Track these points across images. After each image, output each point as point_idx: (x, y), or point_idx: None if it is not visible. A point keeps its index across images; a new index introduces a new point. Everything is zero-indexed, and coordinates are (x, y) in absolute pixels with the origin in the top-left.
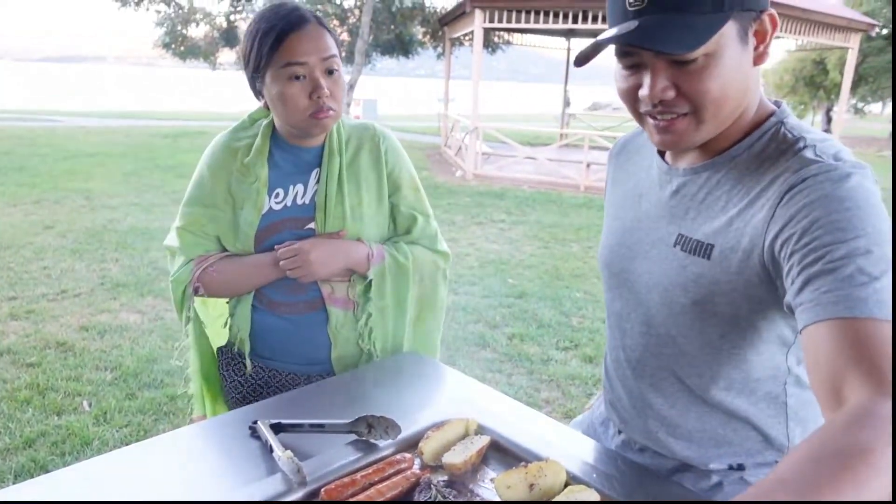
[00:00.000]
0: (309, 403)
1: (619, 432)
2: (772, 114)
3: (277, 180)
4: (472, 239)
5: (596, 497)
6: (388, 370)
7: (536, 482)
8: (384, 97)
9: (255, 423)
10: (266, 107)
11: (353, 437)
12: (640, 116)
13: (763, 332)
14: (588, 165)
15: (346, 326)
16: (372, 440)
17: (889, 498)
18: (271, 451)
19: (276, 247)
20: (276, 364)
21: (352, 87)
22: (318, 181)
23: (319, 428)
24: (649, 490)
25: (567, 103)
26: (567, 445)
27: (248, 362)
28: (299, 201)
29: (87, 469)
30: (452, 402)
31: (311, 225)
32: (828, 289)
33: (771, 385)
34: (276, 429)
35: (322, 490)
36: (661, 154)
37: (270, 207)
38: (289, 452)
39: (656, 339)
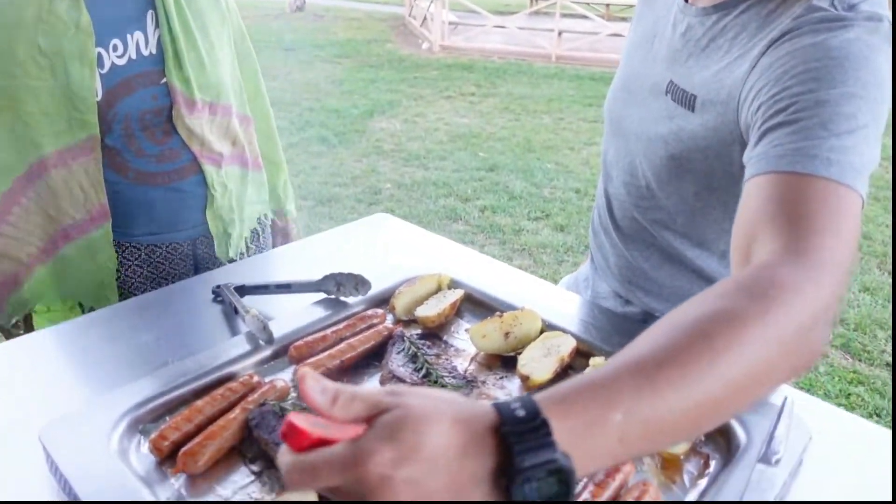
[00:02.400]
0: (272, 267)
1: (597, 283)
2: None
3: (107, 29)
4: (441, 113)
5: (572, 343)
6: (355, 232)
7: (512, 330)
8: None
9: (219, 287)
10: None
11: (322, 295)
12: None
13: (735, 197)
14: (560, 34)
15: (223, 184)
16: (341, 298)
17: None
18: (236, 311)
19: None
20: (163, 238)
21: None
22: (157, 25)
23: (286, 288)
24: (626, 336)
25: None
26: (542, 297)
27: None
28: (144, 52)
29: (45, 336)
30: (424, 259)
31: (164, 80)
32: (779, 142)
33: None
34: (241, 292)
35: (291, 347)
36: None
37: (113, 63)
38: (254, 310)
39: (636, 190)
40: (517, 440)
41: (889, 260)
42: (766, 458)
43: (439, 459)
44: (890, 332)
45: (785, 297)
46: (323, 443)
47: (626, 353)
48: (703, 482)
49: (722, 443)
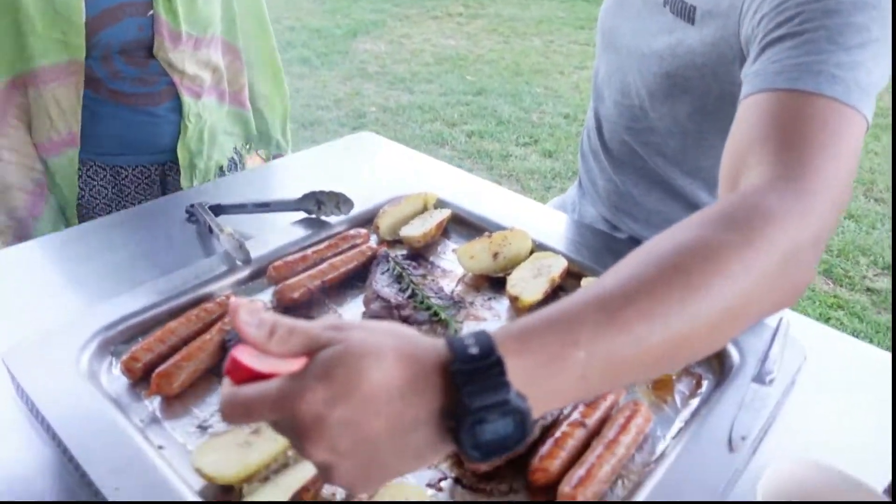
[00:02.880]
0: (250, 187)
1: (584, 208)
2: None
3: None
4: (427, 34)
5: (563, 263)
6: (337, 151)
7: (501, 251)
8: None
9: (192, 206)
10: None
11: (302, 215)
12: None
13: (730, 120)
14: None
15: (198, 115)
16: (322, 217)
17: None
18: (210, 231)
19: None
20: (129, 160)
21: None
22: None
23: (264, 208)
24: (617, 256)
25: None
26: (532, 217)
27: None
28: None
29: (11, 255)
30: (409, 178)
31: (151, 12)
32: (780, 57)
33: None
34: (216, 211)
35: (270, 267)
36: None
37: None
38: (229, 228)
39: (628, 110)
40: (466, 380)
41: (875, 187)
42: (760, 378)
43: (378, 398)
44: (871, 258)
45: (770, 228)
46: (259, 377)
47: (594, 286)
48: (694, 402)
49: (715, 363)
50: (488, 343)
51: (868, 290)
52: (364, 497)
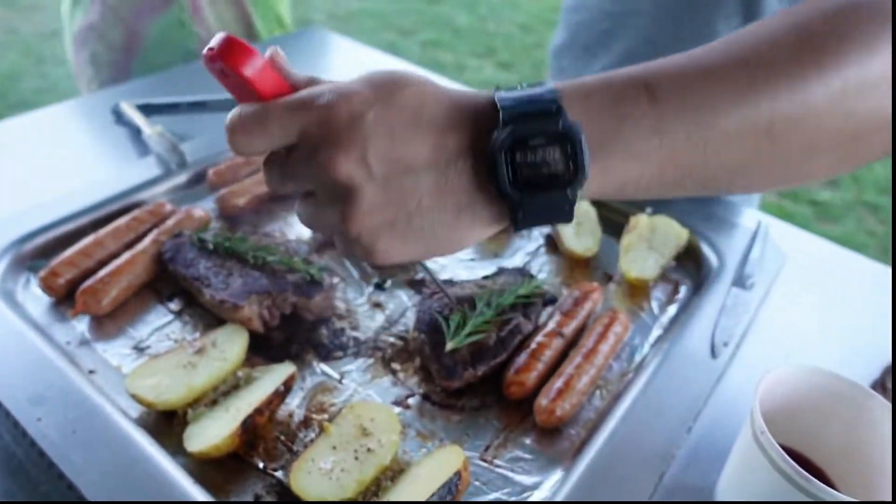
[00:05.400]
0: (182, 85)
1: None
2: None
3: None
4: None
5: None
6: (284, 47)
7: None
8: None
9: (118, 105)
10: None
11: None
12: None
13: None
14: None
15: None
16: None
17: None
18: (139, 132)
19: None
20: None
21: None
22: None
23: (200, 107)
24: None
25: None
26: None
27: None
28: None
29: None
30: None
31: None
32: None
33: None
34: (146, 111)
35: (210, 171)
36: None
37: None
38: (159, 128)
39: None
40: (510, 102)
41: None
42: (740, 282)
43: (420, 113)
44: None
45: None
46: (268, 87)
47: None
48: (672, 308)
49: (692, 268)
50: (541, 81)
51: (811, 202)
52: (378, 261)
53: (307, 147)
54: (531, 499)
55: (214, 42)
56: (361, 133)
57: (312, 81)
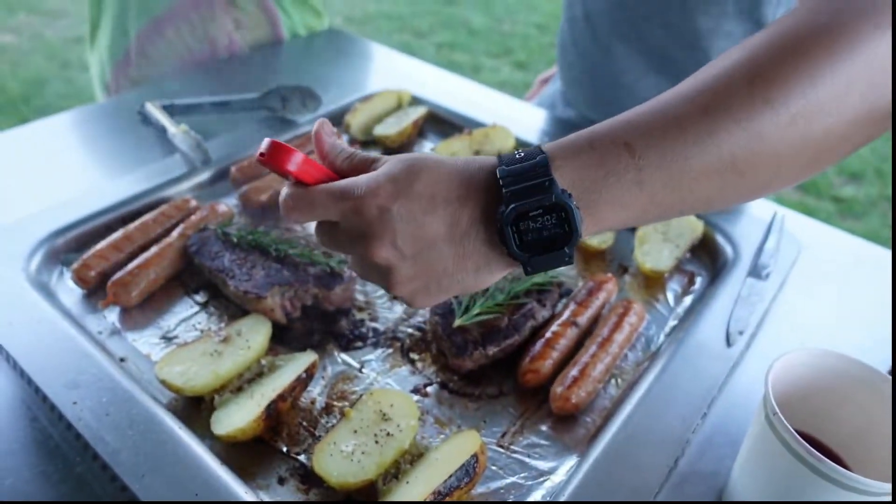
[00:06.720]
0: (208, 85)
1: (567, 105)
2: None
3: None
4: None
5: None
6: (302, 47)
7: (482, 148)
8: None
9: (143, 106)
10: None
11: (266, 113)
12: None
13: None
14: None
15: None
16: (288, 116)
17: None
18: (164, 131)
19: None
20: None
21: None
22: None
23: (223, 106)
24: None
25: None
26: (512, 113)
27: None
28: None
29: None
30: (381, 75)
31: None
32: None
33: None
34: (170, 112)
35: (233, 168)
36: None
37: None
38: (184, 126)
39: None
40: (510, 178)
41: None
42: (756, 272)
43: (434, 197)
44: (837, 167)
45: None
46: (309, 174)
47: (650, 101)
48: (688, 299)
49: (707, 260)
50: (536, 148)
51: (834, 198)
52: (418, 308)
53: (347, 230)
54: (547, 483)
55: (263, 147)
56: (391, 225)
57: (349, 157)
